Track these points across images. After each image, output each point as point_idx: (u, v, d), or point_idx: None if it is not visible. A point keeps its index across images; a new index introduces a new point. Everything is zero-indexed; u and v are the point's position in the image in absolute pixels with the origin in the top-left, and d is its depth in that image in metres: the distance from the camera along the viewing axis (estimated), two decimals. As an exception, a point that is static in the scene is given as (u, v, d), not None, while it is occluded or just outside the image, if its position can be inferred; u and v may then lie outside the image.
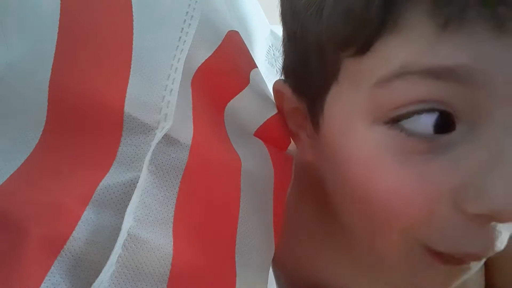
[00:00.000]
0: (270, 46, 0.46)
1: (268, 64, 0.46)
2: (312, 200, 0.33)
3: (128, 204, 0.21)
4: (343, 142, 0.24)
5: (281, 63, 0.37)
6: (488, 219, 0.20)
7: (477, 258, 0.22)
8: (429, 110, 0.20)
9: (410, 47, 0.20)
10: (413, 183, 0.21)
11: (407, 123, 0.20)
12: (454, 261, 0.22)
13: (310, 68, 0.25)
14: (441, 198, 0.21)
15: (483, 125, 0.20)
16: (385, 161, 0.22)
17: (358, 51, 0.21)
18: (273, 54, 0.47)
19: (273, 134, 0.31)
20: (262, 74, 0.35)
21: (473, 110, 0.19)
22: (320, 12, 0.23)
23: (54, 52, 0.24)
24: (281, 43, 0.30)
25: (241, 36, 0.33)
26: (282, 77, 0.31)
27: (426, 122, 0.20)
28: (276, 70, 0.46)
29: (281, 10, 0.29)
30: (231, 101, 0.29)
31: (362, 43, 0.21)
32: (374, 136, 0.22)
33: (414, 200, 0.21)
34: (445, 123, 0.20)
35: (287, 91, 0.28)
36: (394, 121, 0.21)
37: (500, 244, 0.21)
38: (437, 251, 0.22)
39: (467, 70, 0.19)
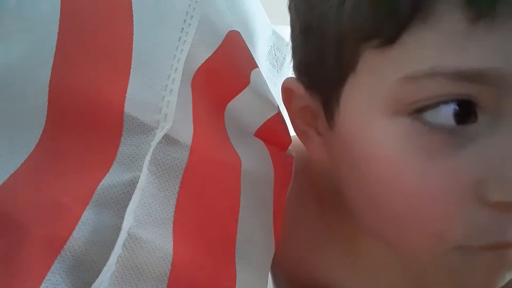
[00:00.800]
0: (271, 46, 0.46)
1: (269, 64, 0.46)
2: (313, 200, 0.33)
3: (128, 204, 0.21)
4: (362, 136, 0.23)
5: (282, 63, 0.36)
6: (510, 206, 0.20)
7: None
8: (453, 100, 0.20)
9: (440, 43, 0.19)
10: (439, 180, 0.21)
11: (430, 115, 0.20)
12: (492, 249, 0.22)
13: (326, 61, 0.25)
14: (467, 192, 0.21)
15: (506, 118, 0.20)
16: (409, 157, 0.21)
17: (384, 42, 0.21)
18: (275, 55, 0.47)
19: (273, 135, 0.31)
20: (263, 74, 0.35)
21: (497, 104, 0.20)
22: (342, 3, 0.22)
23: (54, 52, 0.24)
24: (289, 39, 0.30)
25: (242, 36, 0.33)
26: (293, 75, 0.30)
27: (448, 113, 0.20)
28: (277, 70, 0.46)
29: (291, 4, 0.28)
30: (231, 101, 0.29)
31: (389, 34, 0.20)
32: (396, 129, 0.22)
33: (441, 197, 0.21)
34: (468, 113, 0.20)
35: (299, 88, 0.28)
36: (417, 112, 0.21)
37: None
38: (473, 246, 0.22)
39: (497, 73, 0.19)
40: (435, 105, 0.20)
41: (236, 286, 0.23)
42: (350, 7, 0.22)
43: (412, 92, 0.20)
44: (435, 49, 0.19)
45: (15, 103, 0.24)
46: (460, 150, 0.20)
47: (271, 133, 0.31)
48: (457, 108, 0.20)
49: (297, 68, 0.29)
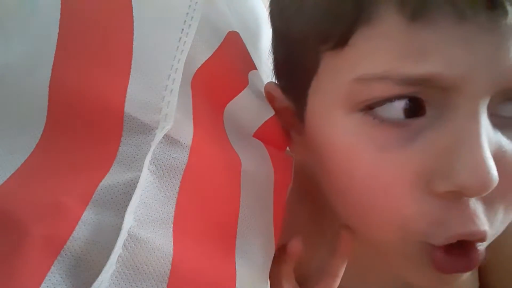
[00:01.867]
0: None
1: (270, 64, 0.46)
2: (308, 201, 0.34)
3: (128, 204, 0.21)
4: (324, 132, 0.26)
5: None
6: (458, 195, 0.21)
7: (471, 236, 0.22)
8: (401, 97, 0.22)
9: (386, 46, 0.21)
10: (389, 169, 0.22)
11: (380, 111, 0.22)
12: (461, 252, 0.23)
13: (294, 65, 0.27)
14: (417, 183, 0.22)
15: (451, 112, 0.21)
16: (362, 148, 0.23)
17: (337, 44, 0.23)
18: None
19: (272, 135, 0.31)
20: (263, 75, 0.35)
21: (443, 100, 0.21)
22: (301, 7, 0.25)
23: (54, 52, 0.24)
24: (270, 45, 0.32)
25: (243, 36, 0.33)
26: (273, 79, 0.32)
27: (397, 108, 0.22)
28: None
29: (270, 11, 0.30)
30: (230, 102, 0.29)
31: (339, 36, 0.22)
32: (351, 123, 0.23)
33: (393, 187, 0.22)
34: (416, 108, 0.22)
35: (277, 91, 0.30)
36: (368, 108, 0.23)
37: (486, 221, 0.22)
38: (435, 245, 0.23)
39: (440, 78, 0.20)
40: (385, 101, 0.22)
41: (236, 285, 0.23)
42: (307, 10, 0.24)
43: (364, 91, 0.22)
44: (384, 52, 0.21)
45: (15, 103, 0.24)
46: (409, 143, 0.22)
47: (270, 134, 0.31)
48: (407, 103, 0.22)
49: (274, 71, 0.32)
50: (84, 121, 0.23)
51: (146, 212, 0.22)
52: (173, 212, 0.23)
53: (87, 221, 0.20)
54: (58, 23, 0.24)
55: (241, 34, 0.33)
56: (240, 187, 0.26)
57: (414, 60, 0.20)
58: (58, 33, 0.24)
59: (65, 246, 0.19)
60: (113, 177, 0.22)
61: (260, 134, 0.31)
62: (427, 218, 0.22)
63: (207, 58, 0.28)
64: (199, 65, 0.27)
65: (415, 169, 0.22)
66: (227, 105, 0.30)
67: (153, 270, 0.21)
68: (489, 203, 0.22)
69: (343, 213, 0.28)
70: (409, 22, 0.20)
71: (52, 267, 0.19)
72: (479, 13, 0.19)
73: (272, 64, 0.32)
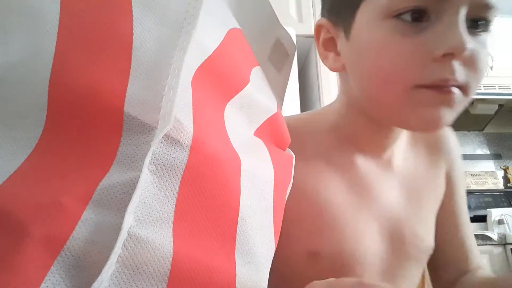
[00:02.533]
0: (275, 42, 0.46)
1: (270, 63, 0.45)
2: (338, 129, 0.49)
3: (128, 204, 0.21)
4: (367, 35, 0.39)
5: (283, 62, 0.41)
6: (450, 57, 0.35)
7: (451, 80, 0.36)
8: (415, 8, 0.36)
9: None
10: (408, 47, 0.36)
11: (405, 16, 0.36)
12: (441, 90, 0.36)
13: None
14: (425, 54, 0.35)
15: (446, 15, 0.35)
16: (392, 37, 0.37)
17: None
18: (278, 51, 0.47)
19: (273, 134, 0.31)
20: (263, 73, 0.35)
21: (438, 10, 0.35)
22: None
23: (54, 52, 0.24)
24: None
25: (244, 32, 0.33)
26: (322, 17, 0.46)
27: (414, 15, 0.36)
28: (279, 67, 0.46)
29: None
30: (231, 100, 0.29)
31: None
32: (388, 25, 0.37)
33: (410, 57, 0.36)
34: (424, 15, 0.36)
35: (328, 23, 0.44)
36: (398, 15, 0.36)
37: (461, 76, 0.36)
38: (425, 84, 0.36)
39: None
40: (408, 11, 0.36)
41: (236, 285, 0.24)
42: None
43: (396, 4, 0.36)
44: None
45: (15, 103, 0.24)
46: (421, 31, 0.36)
47: (270, 132, 0.31)
48: (420, 11, 0.36)
49: (326, 8, 0.45)
50: (84, 121, 0.23)
51: (146, 212, 0.22)
52: (173, 212, 0.23)
53: (87, 221, 0.20)
54: (58, 23, 0.24)
55: (243, 31, 0.33)
56: (240, 187, 0.26)
57: None
58: (58, 33, 0.24)
59: (65, 246, 0.19)
60: (113, 177, 0.22)
61: (261, 133, 0.31)
62: (425, 71, 0.36)
63: (207, 56, 0.27)
64: (200, 64, 0.27)
65: (425, 44, 0.35)
66: (228, 103, 0.30)
67: (153, 270, 0.21)
68: (465, 69, 0.36)
69: (366, 105, 0.44)
70: None
71: (52, 267, 0.19)
72: None
73: (322, 2, 0.47)
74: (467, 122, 2.43)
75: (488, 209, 1.94)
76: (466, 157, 2.47)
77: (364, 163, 0.47)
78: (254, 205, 0.27)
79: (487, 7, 0.36)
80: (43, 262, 0.19)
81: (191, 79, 0.26)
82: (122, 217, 0.20)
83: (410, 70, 0.36)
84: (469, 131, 2.57)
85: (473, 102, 2.17)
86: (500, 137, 2.61)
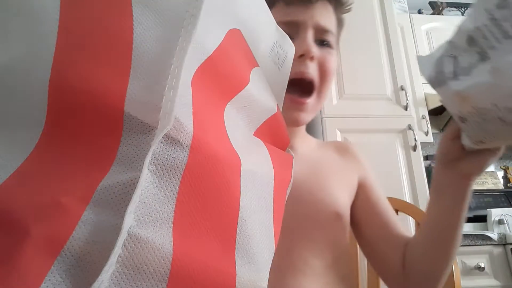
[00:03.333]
0: (274, 43, 0.46)
1: (271, 61, 0.45)
2: None
3: (128, 204, 0.21)
4: None
5: (283, 60, 0.43)
6: (304, 58, 0.52)
7: (305, 74, 0.53)
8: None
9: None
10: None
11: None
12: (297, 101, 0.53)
13: None
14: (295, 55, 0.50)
15: (299, 36, 0.54)
16: None
17: None
18: (277, 52, 0.47)
19: (273, 134, 0.31)
20: (262, 73, 0.35)
21: (296, 33, 0.54)
22: None
23: (53, 52, 0.24)
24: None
25: (244, 33, 0.33)
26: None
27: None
28: (278, 68, 0.46)
29: None
30: (231, 100, 0.29)
31: None
32: None
33: None
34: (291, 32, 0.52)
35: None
36: None
37: (312, 72, 0.54)
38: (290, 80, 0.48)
39: (297, 21, 0.55)
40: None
41: (236, 285, 0.24)
42: None
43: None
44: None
45: (15, 103, 0.24)
46: (294, 42, 0.49)
47: (270, 132, 0.31)
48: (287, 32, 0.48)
49: None
50: (84, 121, 0.23)
51: (146, 212, 0.22)
52: (173, 212, 0.23)
53: (87, 221, 0.20)
54: (58, 23, 0.24)
55: (242, 32, 0.33)
56: (240, 187, 0.26)
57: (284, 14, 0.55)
58: (58, 33, 0.24)
59: (65, 246, 0.19)
60: (113, 177, 0.22)
61: (261, 133, 0.31)
62: (293, 70, 0.48)
63: (207, 57, 0.27)
64: (199, 64, 0.27)
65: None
66: (228, 103, 0.30)
67: (153, 269, 0.21)
68: (316, 67, 0.54)
69: None
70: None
71: (52, 267, 0.19)
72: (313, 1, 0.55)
73: None
74: (467, 122, 2.42)
75: (488, 209, 1.94)
76: (466, 157, 2.46)
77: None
78: (254, 205, 0.27)
79: (325, 31, 0.55)
80: (44, 262, 0.19)
81: (191, 79, 0.26)
82: (122, 217, 0.20)
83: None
84: (469, 131, 2.56)
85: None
86: (500, 137, 2.60)
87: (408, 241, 0.56)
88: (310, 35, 0.53)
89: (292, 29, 0.53)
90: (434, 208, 0.49)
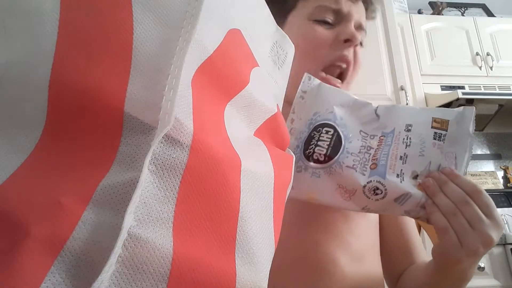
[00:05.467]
0: (274, 43, 0.46)
1: (271, 61, 0.45)
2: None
3: (128, 204, 0.21)
4: (297, 29, 0.61)
5: (283, 60, 0.43)
6: (348, 43, 0.60)
7: (347, 56, 0.61)
8: (326, 19, 0.62)
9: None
10: (323, 33, 0.60)
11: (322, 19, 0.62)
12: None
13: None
14: (332, 41, 0.60)
15: (343, 20, 0.63)
16: (314, 29, 0.60)
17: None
18: (277, 52, 0.47)
19: (273, 134, 0.31)
20: (262, 73, 0.35)
21: (341, 18, 0.62)
22: None
23: (54, 52, 0.24)
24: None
25: (244, 33, 0.33)
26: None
27: (327, 19, 0.62)
28: (278, 67, 0.46)
29: None
30: (231, 100, 0.29)
31: None
32: (311, 24, 0.61)
33: (323, 40, 0.60)
34: (335, 21, 0.62)
35: None
36: (317, 20, 0.62)
37: (350, 58, 0.61)
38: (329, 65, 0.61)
39: (340, 10, 0.62)
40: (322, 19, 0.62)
41: (236, 285, 0.24)
42: None
43: (318, 15, 0.61)
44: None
45: (14, 103, 0.24)
46: (331, 27, 0.61)
47: (270, 132, 0.31)
48: (331, 18, 0.62)
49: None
50: (84, 121, 0.23)
51: (146, 212, 0.22)
52: (173, 212, 0.23)
53: (87, 221, 0.20)
54: (58, 23, 0.24)
55: (242, 32, 0.33)
56: (240, 187, 0.26)
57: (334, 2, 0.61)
58: (58, 33, 0.24)
59: (65, 246, 0.19)
60: (113, 177, 0.22)
61: (261, 133, 0.31)
62: (335, 54, 0.59)
63: (207, 56, 0.27)
64: (200, 64, 0.27)
65: (333, 36, 0.59)
66: (228, 103, 0.30)
67: (153, 270, 0.21)
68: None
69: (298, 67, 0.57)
70: None
71: (52, 267, 0.19)
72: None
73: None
74: (467, 122, 2.42)
75: (488, 209, 1.94)
76: (466, 157, 2.47)
77: None
78: (254, 205, 0.27)
79: (361, 29, 0.63)
80: (43, 262, 0.19)
81: (191, 79, 0.26)
82: (122, 217, 0.20)
83: (326, 49, 0.59)
84: (469, 131, 2.56)
85: (473, 102, 2.17)
86: (500, 137, 2.61)
87: (410, 268, 0.60)
88: (353, 26, 0.60)
89: (336, 17, 0.60)
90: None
